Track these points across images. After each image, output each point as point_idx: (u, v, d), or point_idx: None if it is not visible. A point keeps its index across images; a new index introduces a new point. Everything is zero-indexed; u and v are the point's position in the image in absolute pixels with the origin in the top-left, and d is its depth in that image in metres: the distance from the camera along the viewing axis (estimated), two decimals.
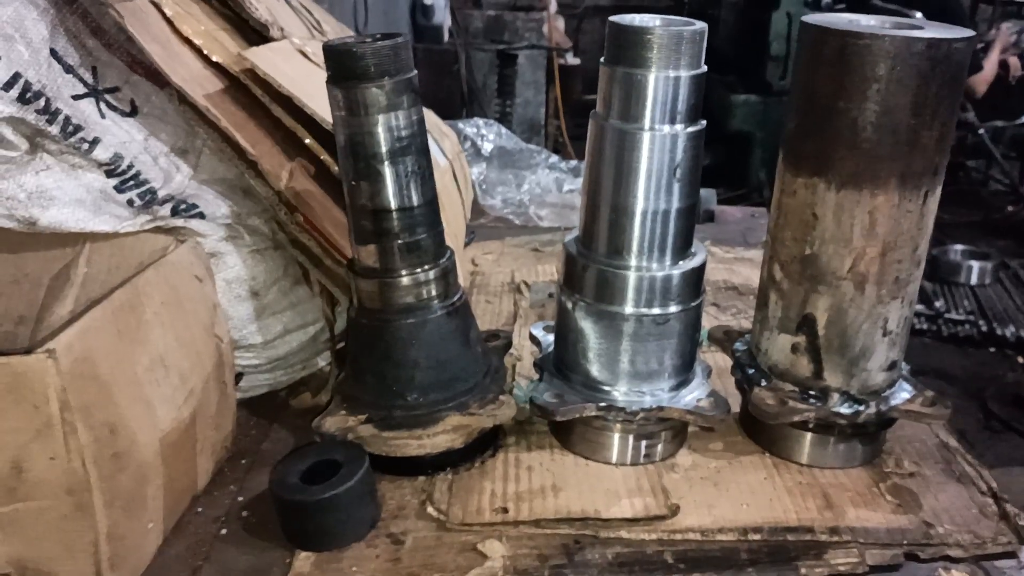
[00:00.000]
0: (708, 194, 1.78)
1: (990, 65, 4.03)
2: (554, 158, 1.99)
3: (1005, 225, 4.57)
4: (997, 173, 5.00)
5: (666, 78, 0.76)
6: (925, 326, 3.40)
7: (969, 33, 0.72)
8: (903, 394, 0.85)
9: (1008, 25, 4.55)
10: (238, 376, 0.98)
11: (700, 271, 0.85)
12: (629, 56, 0.76)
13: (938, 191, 0.77)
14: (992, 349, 3.29)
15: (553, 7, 4.80)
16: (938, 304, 3.52)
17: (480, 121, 2.03)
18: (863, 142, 0.74)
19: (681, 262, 0.84)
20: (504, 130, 2.04)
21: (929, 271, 3.82)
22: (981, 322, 3.39)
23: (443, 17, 4.07)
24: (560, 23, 4.95)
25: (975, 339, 3.33)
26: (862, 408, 0.82)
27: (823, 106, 0.75)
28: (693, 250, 0.85)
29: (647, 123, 0.78)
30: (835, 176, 0.76)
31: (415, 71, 0.77)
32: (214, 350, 0.88)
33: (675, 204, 0.81)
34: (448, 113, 1.82)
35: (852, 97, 0.73)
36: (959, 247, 3.95)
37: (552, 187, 1.86)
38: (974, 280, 3.76)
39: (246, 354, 0.97)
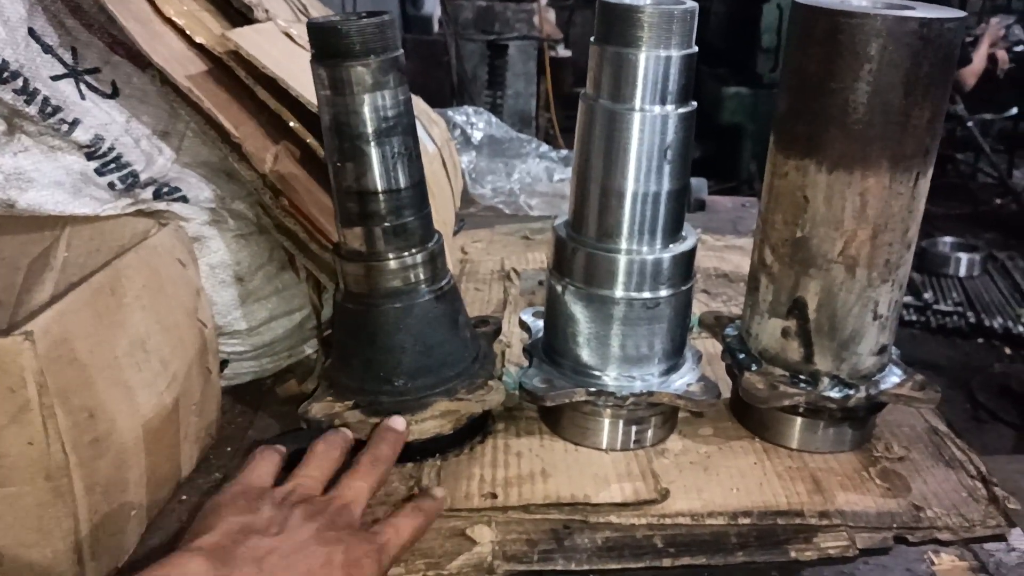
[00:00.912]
0: (699, 183, 1.78)
1: (979, 58, 4.05)
2: (545, 147, 1.98)
3: (993, 217, 4.59)
4: (985, 166, 5.02)
5: (656, 57, 0.75)
6: (914, 317, 3.42)
7: (961, 14, 0.71)
8: (893, 378, 0.84)
9: (996, 19, 4.58)
10: (223, 363, 0.96)
11: (691, 255, 0.84)
12: (619, 35, 0.75)
13: (929, 174, 0.76)
14: (980, 340, 3.31)
15: None
16: (927, 296, 3.54)
17: (470, 109, 2.02)
18: (854, 123, 0.73)
19: (672, 245, 0.83)
20: (494, 119, 2.02)
21: (918, 263, 3.84)
22: (969, 313, 3.41)
23: (433, 7, 4.06)
24: (551, 14, 4.94)
25: (963, 330, 3.35)
26: (852, 392, 0.81)
27: (814, 86, 0.74)
28: (684, 234, 0.85)
29: (637, 103, 0.77)
30: (826, 158, 0.75)
31: (401, 50, 0.75)
32: (197, 335, 0.87)
33: (666, 186, 0.80)
34: (438, 104, 1.80)
35: (843, 77, 0.72)
36: (948, 239, 3.98)
37: (543, 176, 1.85)
38: (962, 272, 3.78)
39: (231, 341, 0.96)
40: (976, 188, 5.03)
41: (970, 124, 4.27)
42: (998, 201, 4.81)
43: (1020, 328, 3.28)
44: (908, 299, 3.54)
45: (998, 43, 4.32)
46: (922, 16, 0.70)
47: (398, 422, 0.80)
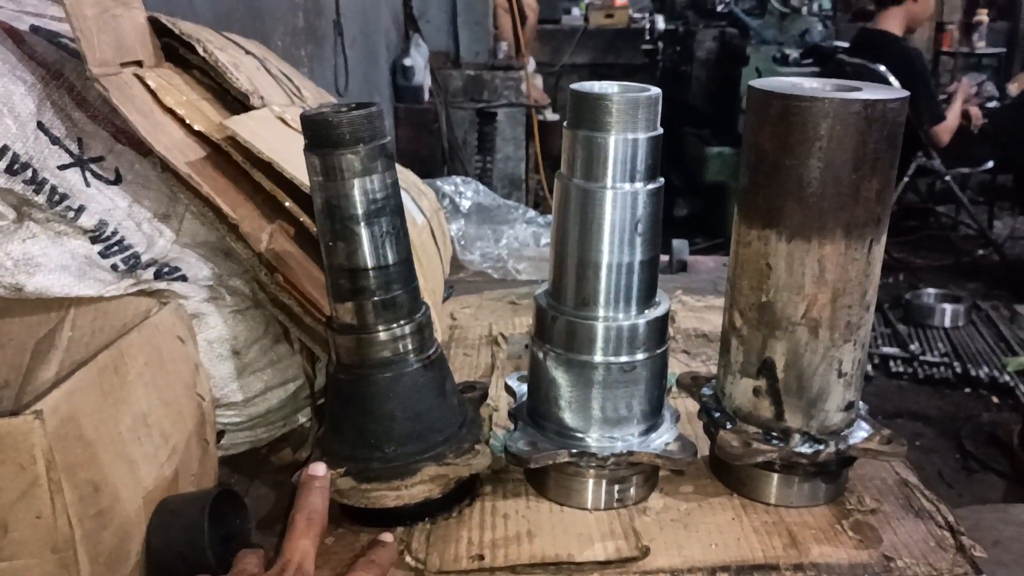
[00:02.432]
0: (681, 244, 1.83)
1: (953, 115, 4.17)
2: (531, 213, 2.04)
3: (976, 268, 4.67)
4: (966, 218, 5.12)
5: (625, 140, 0.81)
6: (901, 369, 3.46)
7: (903, 94, 0.77)
8: (861, 433, 0.88)
9: (968, 78, 4.73)
10: (220, 433, 1.00)
11: (664, 319, 0.88)
12: (590, 120, 0.81)
13: (883, 240, 0.81)
14: (967, 390, 3.34)
15: (531, 66, 4.93)
16: (913, 347, 3.58)
17: (458, 179, 2.09)
18: (809, 196, 0.78)
19: (646, 311, 0.87)
20: (482, 187, 2.09)
21: (903, 314, 3.90)
22: (956, 364, 3.45)
23: (423, 78, 4.17)
24: (538, 81, 5.08)
25: (950, 380, 3.39)
26: (822, 447, 0.85)
27: (771, 163, 0.80)
28: (657, 299, 0.89)
29: (609, 182, 0.82)
30: (785, 228, 0.80)
31: (388, 137, 0.81)
32: (196, 409, 0.91)
33: (638, 257, 0.85)
34: (429, 170, 1.87)
35: (797, 154, 0.78)
36: (932, 291, 4.04)
37: (530, 241, 1.91)
38: (947, 323, 3.83)
39: (227, 412, 0.99)
40: (958, 240, 5.13)
41: (948, 178, 4.37)
42: (980, 252, 4.90)
43: (1006, 378, 3.32)
44: (895, 351, 3.59)
45: (971, 100, 4.45)
46: (866, 98, 0.76)
47: (318, 468, 0.81)
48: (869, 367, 3.43)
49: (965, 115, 4.34)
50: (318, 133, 0.78)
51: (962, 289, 4.20)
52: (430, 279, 1.28)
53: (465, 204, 1.96)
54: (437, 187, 1.93)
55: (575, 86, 0.83)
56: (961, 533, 0.84)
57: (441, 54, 4.70)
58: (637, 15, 7.62)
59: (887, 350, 3.59)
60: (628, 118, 0.80)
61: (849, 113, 0.75)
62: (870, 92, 0.78)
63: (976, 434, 2.98)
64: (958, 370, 3.41)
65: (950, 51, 6.03)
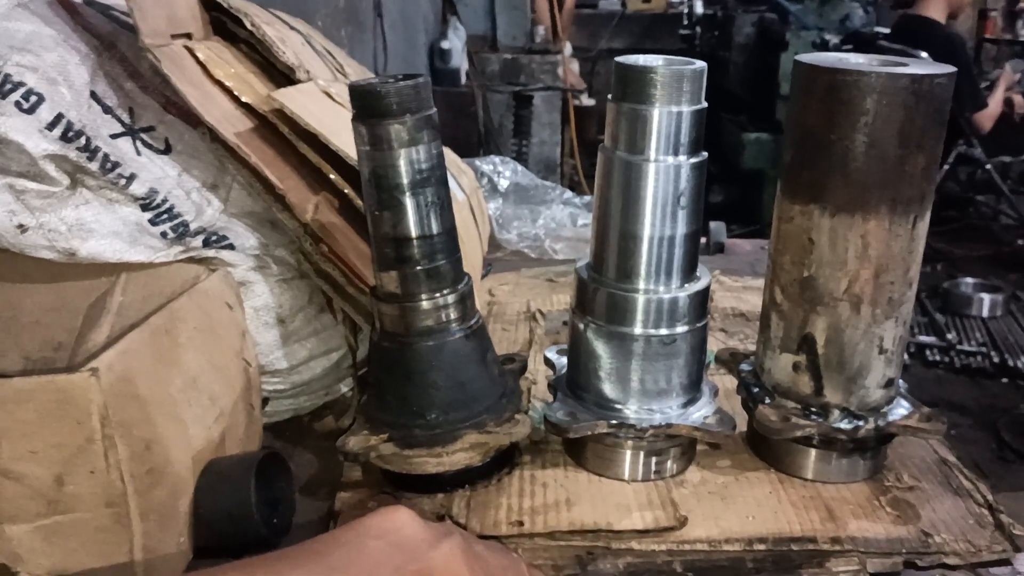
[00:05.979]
0: (718, 227, 1.82)
1: (995, 103, 4.10)
2: (568, 194, 2.04)
3: (1015, 258, 4.59)
4: (1007, 208, 5.03)
5: (669, 113, 0.81)
6: (938, 358, 3.43)
7: (950, 69, 0.77)
8: (900, 410, 0.88)
9: (1011, 65, 4.64)
10: (264, 400, 1.02)
11: (705, 293, 0.89)
12: (634, 93, 0.81)
13: (927, 217, 0.81)
14: (1004, 380, 3.31)
15: (568, 50, 4.91)
16: (950, 336, 3.54)
17: (496, 159, 2.09)
18: (854, 171, 0.78)
19: (687, 285, 0.88)
20: (520, 167, 2.09)
21: (941, 304, 3.86)
22: (993, 354, 3.42)
23: (460, 61, 4.17)
24: (575, 65, 5.06)
25: (988, 370, 3.35)
26: (861, 424, 0.85)
27: (816, 138, 0.80)
28: (698, 274, 0.90)
29: (652, 155, 0.82)
30: (829, 203, 0.80)
31: (434, 109, 0.82)
32: (243, 374, 0.93)
33: (680, 230, 0.85)
34: (466, 153, 1.87)
35: (842, 129, 0.77)
36: (970, 280, 3.99)
37: (567, 221, 1.91)
38: (986, 312, 3.79)
39: (272, 379, 1.01)
40: (998, 229, 5.04)
41: (989, 167, 4.30)
42: (1020, 242, 4.81)
43: None
44: (932, 340, 3.56)
45: (1014, 87, 4.37)
46: (913, 73, 0.75)
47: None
48: (905, 356, 3.39)
49: (1008, 103, 4.26)
50: (366, 103, 0.79)
51: (1002, 280, 4.14)
52: (469, 256, 1.29)
53: (503, 184, 1.97)
54: (476, 166, 1.94)
55: (620, 59, 0.83)
56: (1000, 511, 0.83)
57: (479, 37, 4.70)
58: None
59: (924, 339, 3.55)
60: (672, 91, 0.80)
61: (896, 88, 0.75)
62: (917, 67, 0.78)
63: (1013, 425, 2.94)
64: (996, 360, 3.37)
65: (993, 38, 5.90)
